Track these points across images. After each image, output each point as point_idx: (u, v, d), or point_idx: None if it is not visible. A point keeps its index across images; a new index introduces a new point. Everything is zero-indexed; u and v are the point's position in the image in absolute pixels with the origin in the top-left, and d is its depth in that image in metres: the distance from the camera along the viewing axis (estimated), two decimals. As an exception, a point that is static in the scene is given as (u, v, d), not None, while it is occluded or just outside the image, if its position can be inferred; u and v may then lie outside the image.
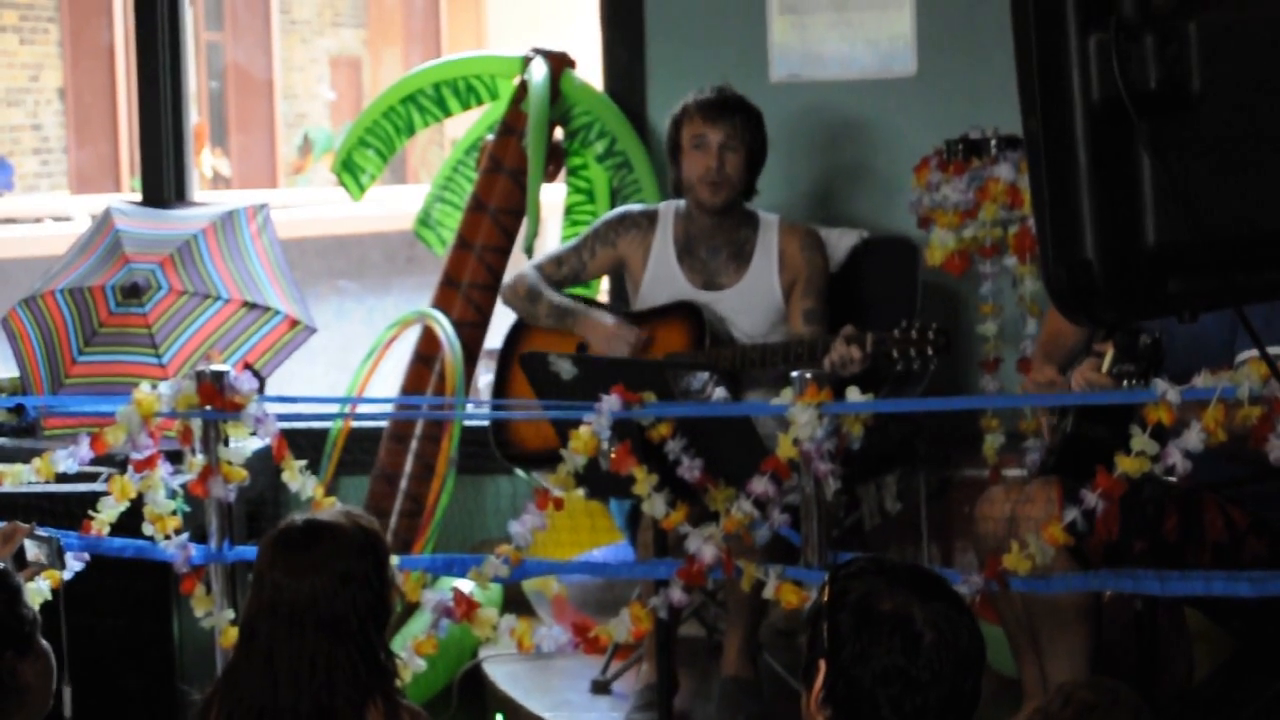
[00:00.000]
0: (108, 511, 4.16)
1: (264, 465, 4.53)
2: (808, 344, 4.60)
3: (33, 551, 3.72)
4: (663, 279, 4.90)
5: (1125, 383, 3.74)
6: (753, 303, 4.86)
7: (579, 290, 5.15)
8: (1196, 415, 3.54)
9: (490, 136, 5.50)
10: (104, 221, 5.39)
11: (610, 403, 3.92)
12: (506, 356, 5.04)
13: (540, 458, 4.68)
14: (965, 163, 4.95)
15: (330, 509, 3.33)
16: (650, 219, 4.95)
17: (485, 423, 5.17)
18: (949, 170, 4.96)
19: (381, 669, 3.07)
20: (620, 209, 5.08)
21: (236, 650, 3.14)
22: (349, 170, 5.69)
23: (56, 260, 5.40)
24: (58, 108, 14.49)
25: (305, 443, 4.82)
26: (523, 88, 5.42)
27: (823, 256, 4.92)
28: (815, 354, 4.52)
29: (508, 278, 5.11)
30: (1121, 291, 2.05)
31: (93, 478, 4.59)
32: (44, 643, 2.97)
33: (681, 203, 4.93)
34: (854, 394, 3.88)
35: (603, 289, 5.48)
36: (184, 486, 4.22)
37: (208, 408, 4.13)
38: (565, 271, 4.99)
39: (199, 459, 4.14)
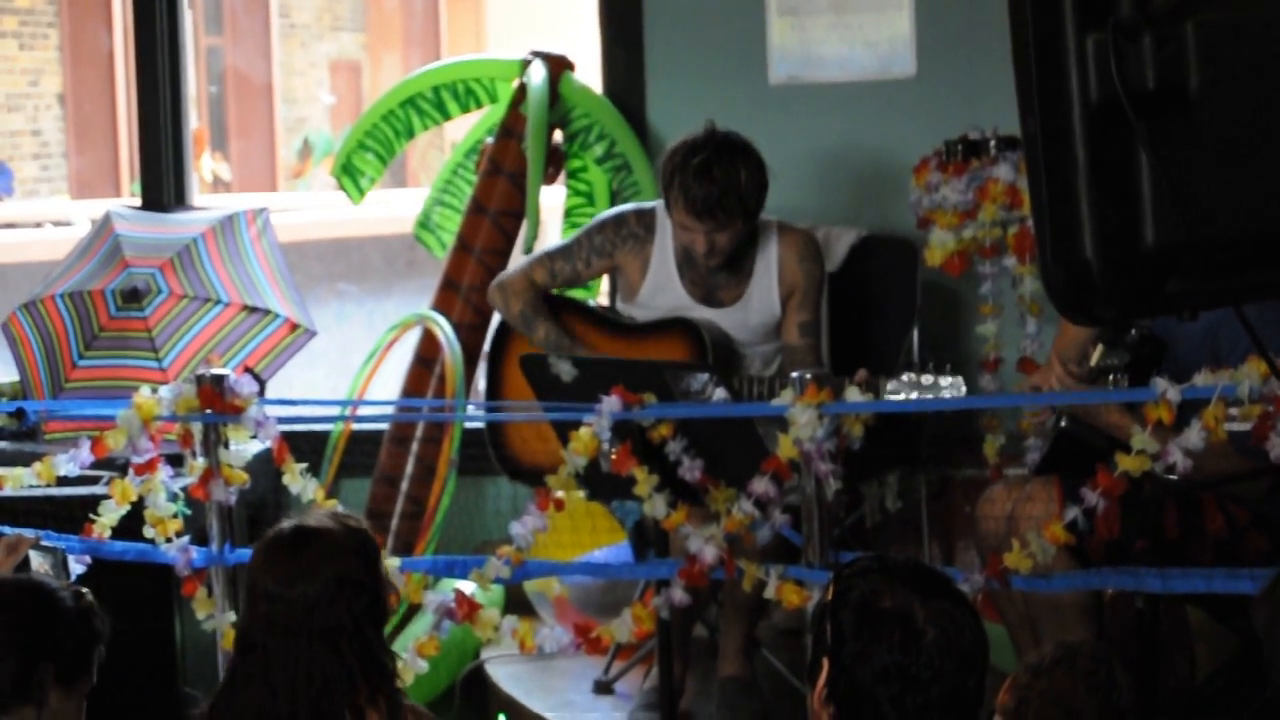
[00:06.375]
0: (109, 515, 4.17)
1: (265, 468, 4.53)
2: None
3: (37, 561, 3.74)
4: (662, 289, 4.81)
5: (1111, 377, 3.75)
6: (751, 319, 4.78)
7: (578, 292, 5.14)
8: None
9: (489, 139, 5.51)
10: (104, 226, 5.39)
11: (611, 404, 3.92)
12: (496, 359, 5.02)
13: (538, 472, 4.58)
14: (964, 163, 4.95)
15: (317, 512, 3.31)
16: (648, 226, 4.80)
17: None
18: (948, 171, 4.96)
19: (382, 669, 3.05)
20: (615, 211, 4.92)
21: (233, 662, 3.11)
22: (349, 174, 5.69)
23: (56, 265, 5.40)
24: (57, 113, 14.49)
25: (306, 445, 4.82)
26: (522, 90, 5.42)
27: (819, 266, 4.81)
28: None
29: (496, 280, 4.95)
30: (1120, 291, 2.06)
31: (93, 481, 4.60)
32: (84, 703, 3.08)
33: None
34: (853, 394, 3.88)
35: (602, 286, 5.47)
36: (185, 490, 4.22)
37: (208, 411, 4.13)
38: (560, 280, 4.88)
39: (200, 462, 4.15)
